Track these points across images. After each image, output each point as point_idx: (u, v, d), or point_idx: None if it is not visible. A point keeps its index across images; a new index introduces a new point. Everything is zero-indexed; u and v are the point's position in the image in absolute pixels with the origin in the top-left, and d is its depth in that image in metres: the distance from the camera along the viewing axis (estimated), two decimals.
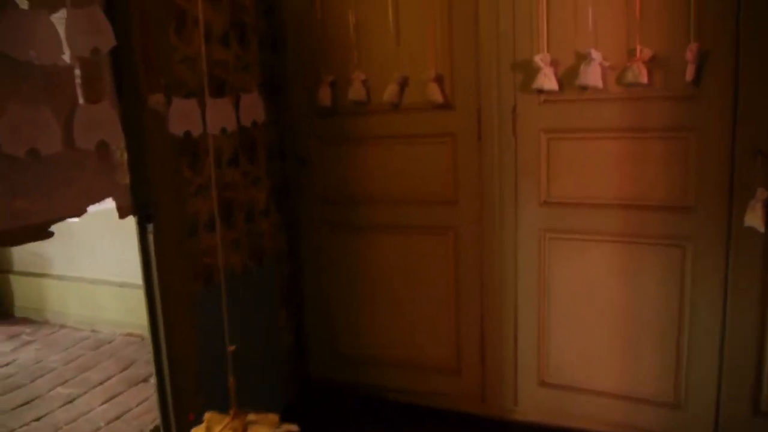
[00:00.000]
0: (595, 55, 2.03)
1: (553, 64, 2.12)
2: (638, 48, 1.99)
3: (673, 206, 2.07)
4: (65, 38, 1.62)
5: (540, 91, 2.15)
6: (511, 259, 2.31)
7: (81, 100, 1.71)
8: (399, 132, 2.38)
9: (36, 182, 1.58)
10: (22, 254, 4.05)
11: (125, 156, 1.86)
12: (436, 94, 2.25)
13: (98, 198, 1.78)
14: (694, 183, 2.03)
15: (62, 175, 1.65)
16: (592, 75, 2.04)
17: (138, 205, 1.88)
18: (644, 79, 1.99)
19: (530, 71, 2.12)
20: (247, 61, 2.33)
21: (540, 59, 2.09)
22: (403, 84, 2.32)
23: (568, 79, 2.11)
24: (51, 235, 1.61)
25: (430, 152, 2.36)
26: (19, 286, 4.09)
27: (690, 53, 1.92)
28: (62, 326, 3.91)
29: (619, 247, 2.15)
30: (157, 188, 1.90)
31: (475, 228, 2.34)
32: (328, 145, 2.50)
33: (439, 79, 2.26)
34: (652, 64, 2.00)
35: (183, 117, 1.99)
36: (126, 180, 1.86)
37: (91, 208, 1.78)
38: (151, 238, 1.89)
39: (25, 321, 4.03)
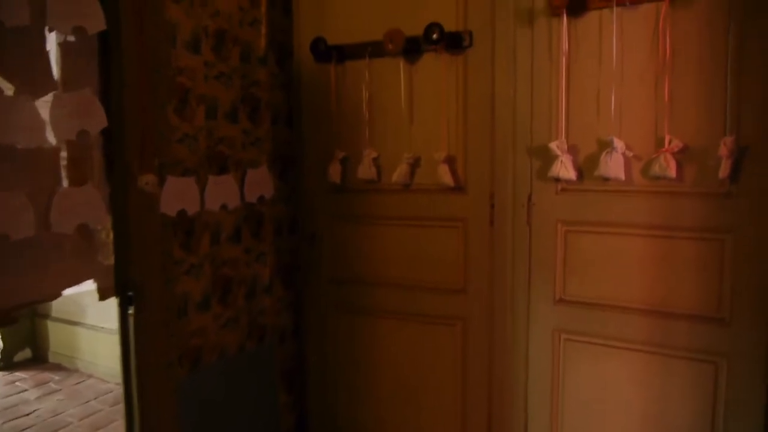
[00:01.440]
0: (618, 144, 1.85)
1: (572, 150, 1.95)
2: (667, 138, 1.79)
3: (705, 316, 1.82)
4: (50, 122, 1.61)
5: (557, 180, 1.97)
6: (522, 358, 2.10)
7: (65, 182, 1.69)
8: (409, 213, 2.25)
9: (4, 265, 1.55)
10: (61, 300, 4.15)
11: (111, 236, 1.82)
12: (447, 177, 2.11)
13: (77, 280, 1.75)
14: (730, 292, 1.78)
15: (36, 257, 1.62)
16: (614, 166, 1.86)
17: (119, 287, 1.83)
18: (672, 173, 1.78)
19: (547, 157, 1.96)
20: (258, 136, 2.29)
21: (556, 146, 1.92)
22: (414, 164, 2.20)
23: (588, 167, 1.93)
24: (15, 321, 1.57)
25: (440, 236, 2.21)
26: (54, 331, 4.18)
27: (725, 147, 1.70)
28: (90, 376, 3.95)
29: (642, 357, 1.91)
30: (141, 269, 1.85)
31: (484, 321, 2.15)
32: (338, 222, 2.40)
33: (451, 161, 2.13)
34: (682, 156, 1.80)
35: (177, 196, 1.95)
36: (110, 261, 1.82)
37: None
38: (131, 321, 1.83)
39: (58, 367, 4.10)
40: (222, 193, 2.12)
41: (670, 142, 1.79)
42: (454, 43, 2.07)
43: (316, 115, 2.38)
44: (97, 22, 1.69)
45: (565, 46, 1.91)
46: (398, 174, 2.18)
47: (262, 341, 2.36)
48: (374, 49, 2.17)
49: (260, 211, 2.32)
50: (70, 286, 1.72)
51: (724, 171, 1.72)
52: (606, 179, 1.89)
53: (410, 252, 2.27)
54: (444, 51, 2.09)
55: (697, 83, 1.77)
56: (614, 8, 1.83)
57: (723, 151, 1.71)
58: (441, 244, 2.21)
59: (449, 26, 2.08)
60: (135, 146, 1.81)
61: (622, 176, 1.86)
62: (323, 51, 2.25)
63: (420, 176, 2.21)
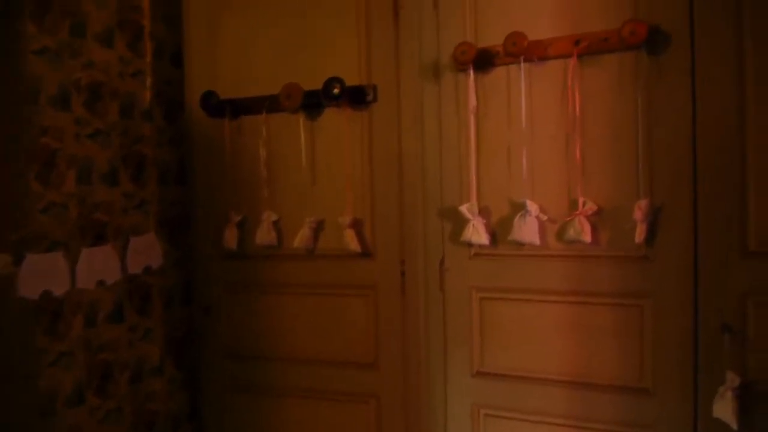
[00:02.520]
0: (531, 207, 1.74)
1: (484, 213, 1.83)
2: (581, 200, 1.70)
3: (627, 387, 1.72)
4: None
5: (470, 244, 1.84)
6: None
7: None
8: (314, 281, 2.06)
9: None
10: None
11: None
12: (353, 243, 1.94)
13: None
14: (651, 360, 1.69)
15: None
16: (528, 230, 1.75)
17: None
18: (587, 237, 1.69)
19: (459, 220, 1.83)
20: (143, 198, 2.04)
21: (467, 209, 1.80)
22: (318, 228, 2.02)
23: (502, 231, 1.81)
24: None
25: (348, 306, 2.02)
26: None
27: (639, 211, 1.62)
28: None
29: None
30: None
31: (398, 398, 1.97)
32: (236, 291, 2.17)
33: (357, 225, 1.96)
34: (597, 218, 1.71)
35: (40, 275, 1.68)
36: None
37: None
38: None
39: None
40: (98, 266, 1.86)
41: (584, 205, 1.70)
42: (358, 97, 1.93)
43: (210, 173, 2.16)
44: None
45: (472, 102, 1.80)
46: (300, 239, 1.99)
47: (152, 431, 2.08)
48: (272, 104, 1.99)
49: (147, 282, 2.06)
50: None
51: (639, 235, 1.63)
52: (521, 244, 1.78)
53: (316, 323, 2.06)
54: (347, 106, 1.94)
55: (608, 142, 1.70)
56: (521, 64, 1.74)
57: (637, 214, 1.63)
58: (349, 315, 2.02)
59: (352, 80, 1.94)
60: None
61: (537, 241, 1.75)
62: (215, 105, 2.05)
63: (325, 241, 2.03)
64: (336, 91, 1.87)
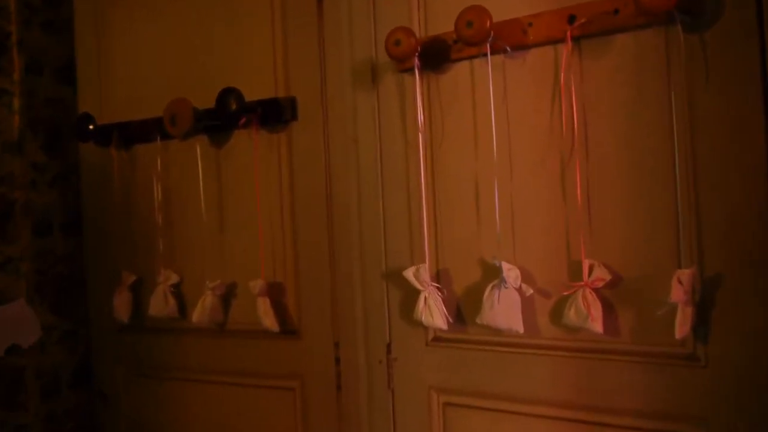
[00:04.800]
0: (510, 273, 1.12)
1: (443, 279, 1.23)
2: (585, 264, 1.07)
3: None
4: None
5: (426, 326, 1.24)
6: None
7: None
8: (223, 366, 1.51)
9: None
10: None
11: None
12: (267, 318, 1.38)
13: None
14: None
15: None
16: (505, 310, 1.13)
17: None
18: (596, 324, 1.05)
19: (410, 289, 1.23)
20: (8, 256, 1.56)
21: (414, 275, 1.20)
22: (228, 294, 1.47)
23: (471, 304, 1.21)
24: None
25: (267, 403, 1.46)
26: None
27: (679, 286, 0.97)
28: None
29: None
30: None
31: None
32: (136, 375, 1.64)
33: (274, 292, 1.40)
34: (611, 293, 1.08)
35: None
36: None
37: None
38: None
39: None
40: None
41: (591, 271, 1.07)
42: (272, 115, 1.38)
43: (101, 220, 1.66)
44: None
45: (420, 117, 1.21)
46: (199, 312, 1.44)
47: None
48: (161, 129, 1.47)
49: (15, 366, 1.57)
50: None
51: (682, 325, 0.98)
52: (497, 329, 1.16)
53: (228, 425, 1.51)
54: (258, 127, 1.39)
55: (625, 170, 1.07)
56: (488, 57, 1.14)
57: (677, 291, 0.98)
58: (269, 416, 1.45)
59: (266, 92, 1.40)
60: None
61: (519, 327, 1.13)
62: (96, 131, 1.55)
63: (239, 311, 1.48)
64: (233, 107, 1.33)
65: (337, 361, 1.37)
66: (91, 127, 1.52)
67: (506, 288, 1.13)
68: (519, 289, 1.13)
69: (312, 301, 1.39)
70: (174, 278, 1.51)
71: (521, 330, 1.12)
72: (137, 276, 1.58)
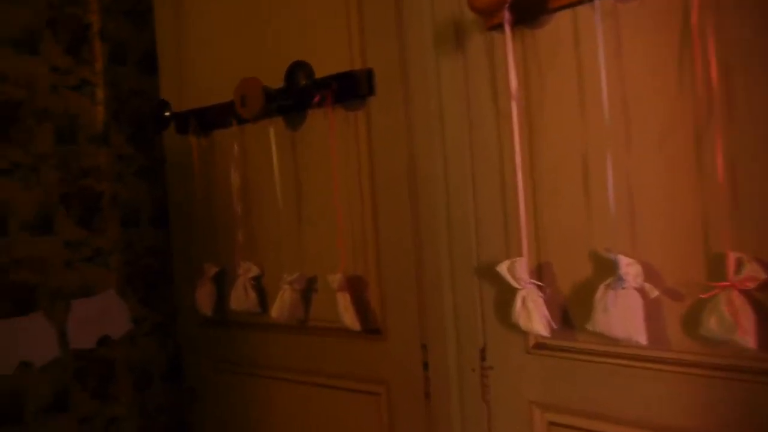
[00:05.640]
0: (628, 269, 0.91)
1: (546, 276, 1.03)
2: (731, 258, 0.84)
3: None
4: None
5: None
6: None
7: None
8: (305, 366, 1.40)
9: None
10: None
11: None
12: (347, 314, 1.25)
13: None
14: None
15: None
16: (622, 315, 0.92)
17: None
18: (748, 336, 0.81)
19: (506, 286, 1.04)
20: (99, 246, 1.56)
21: (508, 271, 1.01)
22: (308, 288, 1.36)
23: (580, 306, 1.00)
24: None
25: (350, 408, 1.33)
26: None
27: None
28: None
29: None
30: None
31: None
32: (222, 371, 1.59)
33: (355, 287, 1.27)
34: (766, 295, 0.83)
35: None
36: None
37: None
38: None
39: None
40: (21, 343, 1.40)
41: (739, 268, 0.83)
42: (348, 90, 1.24)
43: (185, 210, 1.61)
44: None
45: (513, 83, 1.01)
46: (280, 306, 1.34)
47: None
48: (234, 112, 1.38)
49: (107, 357, 1.57)
50: None
51: None
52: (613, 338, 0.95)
53: (310, 427, 1.40)
54: (334, 105, 1.26)
55: None
56: (596, 2, 0.92)
57: None
58: (354, 423, 1.33)
59: (341, 65, 1.25)
60: None
61: (641, 337, 0.91)
62: (169, 119, 1.49)
63: (320, 306, 1.37)
64: (303, 82, 1.20)
65: (425, 365, 1.21)
66: (167, 114, 1.47)
67: (624, 288, 0.91)
68: (641, 290, 0.91)
69: (396, 298, 1.24)
70: (254, 270, 1.43)
71: (644, 341, 0.90)
72: (219, 267, 1.51)
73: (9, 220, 1.40)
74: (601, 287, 0.93)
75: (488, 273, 1.10)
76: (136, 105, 1.63)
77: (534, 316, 0.99)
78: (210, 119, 1.47)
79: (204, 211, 1.54)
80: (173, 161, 1.62)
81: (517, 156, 1.02)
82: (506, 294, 1.05)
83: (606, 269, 0.94)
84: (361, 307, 1.26)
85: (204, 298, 1.51)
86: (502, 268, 1.02)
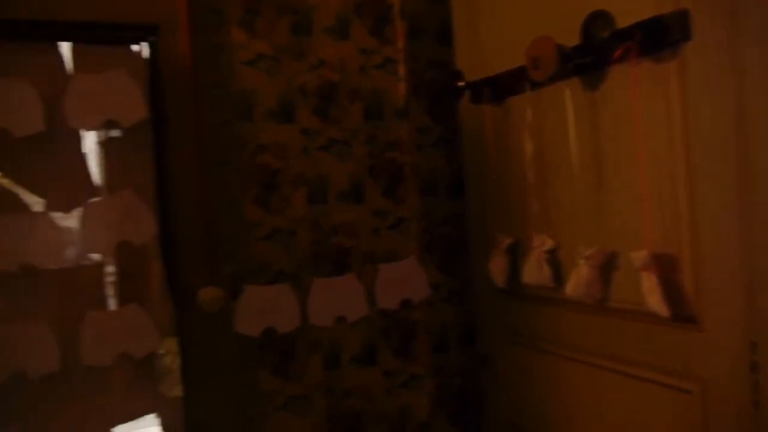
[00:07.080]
0: None
1: None
2: None
3: None
4: (83, 235, 1.39)
5: None
6: None
7: (113, 303, 1.45)
8: (604, 349, 1.27)
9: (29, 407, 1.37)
10: None
11: (177, 362, 1.50)
12: (653, 298, 1.09)
13: (128, 418, 1.47)
14: None
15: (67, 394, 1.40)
16: None
17: (190, 425, 1.49)
18: None
19: None
20: (401, 215, 1.66)
21: None
22: (608, 265, 1.23)
23: None
24: None
25: (656, 402, 1.17)
26: None
27: None
28: None
29: None
30: (208, 408, 1.48)
31: None
32: (513, 343, 1.56)
33: (665, 266, 1.10)
34: None
35: (260, 311, 1.51)
36: (176, 392, 1.50)
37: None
38: None
39: None
40: (337, 300, 1.58)
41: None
42: (655, 39, 1.06)
43: (479, 180, 1.61)
44: (135, 112, 1.40)
45: None
46: (575, 282, 1.24)
47: None
48: (525, 77, 1.30)
49: (409, 319, 1.67)
50: (118, 425, 1.46)
51: None
52: None
53: (604, 415, 1.28)
54: (639, 58, 1.09)
55: None
56: None
57: None
58: (658, 419, 1.17)
59: (644, 11, 1.08)
60: (193, 253, 1.46)
61: None
62: (462, 88, 1.48)
63: (622, 286, 1.22)
64: (603, 34, 1.07)
65: (753, 366, 0.99)
66: (461, 84, 1.47)
67: None
68: None
69: (717, 283, 1.03)
70: (549, 244, 1.35)
71: None
72: (513, 239, 1.48)
73: (328, 191, 1.58)
74: None
75: None
76: (432, 77, 1.68)
77: None
78: (503, 86, 1.44)
79: (498, 181, 1.52)
80: (468, 131, 1.63)
81: None
82: None
83: None
84: (670, 290, 1.09)
85: (497, 269, 1.50)
86: None
